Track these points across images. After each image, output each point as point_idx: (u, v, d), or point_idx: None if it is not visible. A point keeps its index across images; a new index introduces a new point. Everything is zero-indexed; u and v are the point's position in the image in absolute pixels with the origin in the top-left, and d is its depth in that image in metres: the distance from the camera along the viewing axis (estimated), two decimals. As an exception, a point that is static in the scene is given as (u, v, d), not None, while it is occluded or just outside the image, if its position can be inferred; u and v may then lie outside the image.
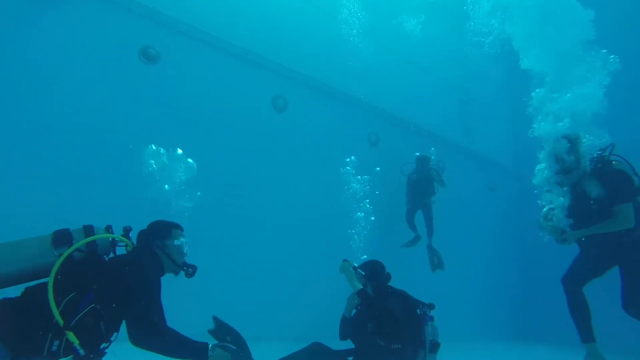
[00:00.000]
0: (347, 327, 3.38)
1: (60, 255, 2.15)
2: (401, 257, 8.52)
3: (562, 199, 3.77)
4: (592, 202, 3.68)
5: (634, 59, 6.37)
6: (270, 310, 6.83)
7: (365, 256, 6.85)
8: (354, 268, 3.41)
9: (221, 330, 2.82)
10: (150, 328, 2.33)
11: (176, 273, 2.65)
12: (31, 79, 5.66)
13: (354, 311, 3.45)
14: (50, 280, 2.05)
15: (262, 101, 7.69)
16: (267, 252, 7.16)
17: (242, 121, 7.29)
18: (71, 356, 2.11)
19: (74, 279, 2.14)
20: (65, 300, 2.09)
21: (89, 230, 2.34)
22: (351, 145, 8.30)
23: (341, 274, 3.38)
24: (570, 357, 8.49)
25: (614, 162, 3.69)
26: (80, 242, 2.22)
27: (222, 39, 7.18)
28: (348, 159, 7.97)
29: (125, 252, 2.50)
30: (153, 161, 5.51)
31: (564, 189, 3.79)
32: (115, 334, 2.36)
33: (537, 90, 4.49)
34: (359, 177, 7.99)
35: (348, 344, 3.43)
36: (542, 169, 3.88)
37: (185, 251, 2.66)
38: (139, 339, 2.34)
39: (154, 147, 5.66)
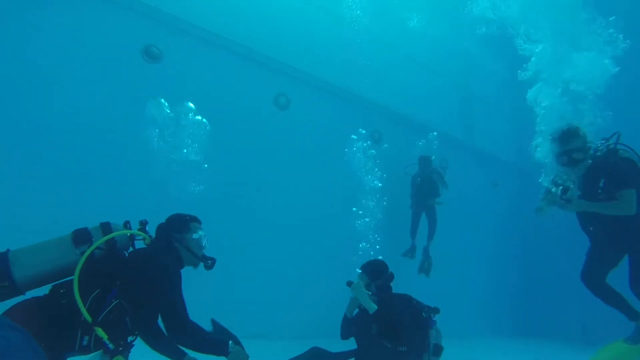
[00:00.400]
0: (350, 328, 3.37)
1: (82, 253, 2.21)
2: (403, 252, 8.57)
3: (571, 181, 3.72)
4: (600, 191, 3.66)
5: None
6: (272, 308, 6.88)
7: (372, 252, 6.91)
8: (361, 278, 3.34)
9: (220, 333, 2.84)
10: (175, 322, 2.38)
11: (195, 265, 2.69)
12: (32, 79, 5.67)
13: (356, 310, 3.44)
14: (75, 279, 2.10)
15: (265, 99, 7.70)
16: (269, 250, 7.20)
17: (244, 119, 7.30)
18: (102, 350, 2.19)
19: (97, 277, 2.20)
20: (91, 297, 2.15)
21: (106, 227, 2.39)
22: (353, 143, 8.30)
23: (352, 292, 3.26)
24: (570, 353, 8.55)
25: (620, 151, 3.68)
26: (101, 240, 2.26)
27: (224, 37, 7.18)
28: (350, 156, 7.98)
29: (143, 245, 2.53)
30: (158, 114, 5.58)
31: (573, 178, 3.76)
32: (142, 327, 2.43)
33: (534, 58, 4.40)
34: (362, 174, 8.01)
35: (348, 344, 3.43)
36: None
37: (203, 244, 2.70)
38: (171, 334, 2.40)
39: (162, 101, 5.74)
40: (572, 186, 3.67)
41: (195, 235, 2.66)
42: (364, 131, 8.21)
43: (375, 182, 8.00)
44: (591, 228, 3.94)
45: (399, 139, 9.28)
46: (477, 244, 10.77)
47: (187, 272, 2.68)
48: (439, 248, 8.70)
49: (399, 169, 8.70)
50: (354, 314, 3.40)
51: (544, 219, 4.08)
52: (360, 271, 3.40)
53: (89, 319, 2.09)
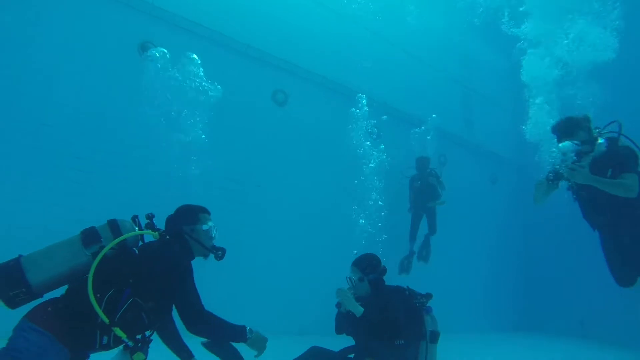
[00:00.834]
0: (343, 323, 3.31)
1: (92, 254, 2.22)
2: (404, 252, 8.58)
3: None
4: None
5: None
6: (270, 304, 6.87)
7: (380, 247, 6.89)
8: (350, 280, 3.31)
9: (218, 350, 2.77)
10: (190, 313, 2.38)
11: (205, 256, 2.68)
12: (32, 78, 5.66)
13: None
14: (89, 282, 2.11)
15: (263, 95, 7.68)
16: (267, 246, 7.19)
17: (242, 116, 7.28)
18: (122, 346, 2.22)
19: (110, 277, 2.20)
20: (106, 297, 2.16)
21: (113, 225, 2.37)
22: (352, 140, 8.28)
23: (338, 298, 3.25)
24: (571, 347, 8.59)
25: (619, 139, 3.66)
26: (111, 244, 2.25)
27: (221, 33, 7.15)
28: (350, 153, 7.96)
29: (152, 238, 2.50)
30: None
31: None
32: (160, 320, 2.45)
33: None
34: (362, 171, 8.00)
35: (345, 339, 3.41)
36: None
37: (213, 235, 2.69)
38: (188, 326, 2.39)
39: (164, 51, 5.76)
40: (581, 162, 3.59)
41: (205, 226, 2.64)
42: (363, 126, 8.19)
43: (375, 180, 7.99)
44: (602, 217, 3.83)
45: (398, 134, 9.25)
46: (477, 240, 10.76)
47: (215, 258, 2.66)
48: (439, 244, 8.71)
49: (397, 166, 8.67)
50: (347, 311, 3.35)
51: (543, 216, 4.03)
52: (352, 266, 3.36)
53: (106, 320, 2.11)
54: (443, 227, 8.72)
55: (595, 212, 3.89)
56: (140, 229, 2.47)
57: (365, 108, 8.23)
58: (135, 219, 2.49)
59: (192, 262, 2.58)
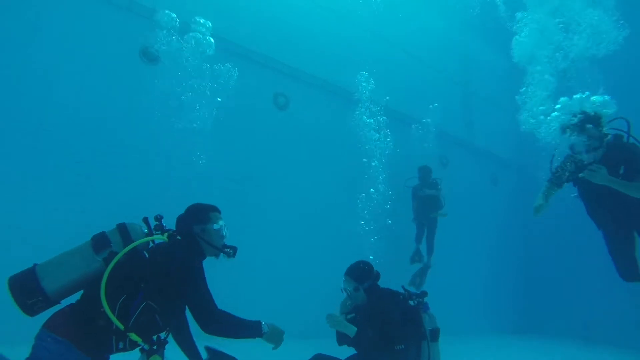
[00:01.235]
0: (344, 336, 3.22)
1: (103, 260, 2.24)
2: (406, 252, 8.57)
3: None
4: (620, 178, 3.57)
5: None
6: (272, 307, 6.86)
7: (371, 257, 6.89)
8: (345, 291, 3.28)
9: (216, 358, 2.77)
10: (203, 313, 2.38)
11: (217, 256, 2.67)
12: (32, 79, 5.68)
13: (349, 316, 3.33)
14: (102, 291, 2.12)
15: (264, 99, 7.70)
16: (269, 248, 7.19)
17: (244, 119, 7.30)
18: (139, 348, 2.23)
19: (122, 283, 2.21)
20: (119, 303, 2.18)
21: (123, 229, 2.37)
22: (352, 142, 8.29)
23: (331, 325, 3.20)
24: (571, 349, 8.57)
25: (624, 137, 3.59)
26: (123, 252, 2.25)
27: (223, 37, 7.18)
28: (351, 155, 7.97)
29: (162, 239, 2.49)
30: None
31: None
32: (174, 321, 2.46)
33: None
34: (363, 172, 8.01)
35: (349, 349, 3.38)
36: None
37: (224, 234, 2.68)
38: (202, 326, 2.39)
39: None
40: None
41: (216, 226, 2.61)
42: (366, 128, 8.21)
43: (379, 184, 7.99)
44: (615, 212, 3.71)
45: (400, 136, 9.25)
46: (477, 241, 10.76)
47: (226, 256, 2.67)
48: (439, 246, 8.69)
49: (398, 166, 8.67)
50: (348, 317, 3.31)
51: (544, 217, 4.00)
52: (345, 277, 3.30)
53: (121, 326, 2.12)
54: (444, 228, 8.71)
55: (602, 208, 3.80)
56: (149, 231, 2.46)
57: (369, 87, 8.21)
58: (145, 220, 2.48)
59: (203, 262, 2.58)
